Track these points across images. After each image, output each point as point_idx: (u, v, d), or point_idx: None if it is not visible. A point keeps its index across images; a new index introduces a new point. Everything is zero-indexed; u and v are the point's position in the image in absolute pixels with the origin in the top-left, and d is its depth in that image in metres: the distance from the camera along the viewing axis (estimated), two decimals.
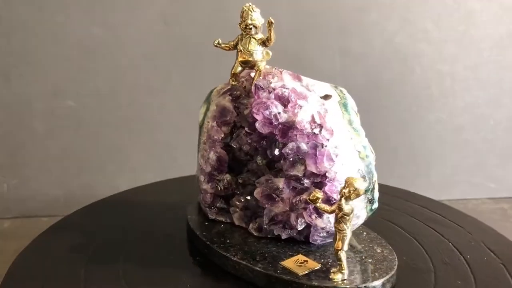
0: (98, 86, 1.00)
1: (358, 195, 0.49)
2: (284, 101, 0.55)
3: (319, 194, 0.50)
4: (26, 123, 1.01)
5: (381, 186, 0.81)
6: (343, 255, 0.51)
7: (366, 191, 0.54)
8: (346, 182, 0.49)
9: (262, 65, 0.58)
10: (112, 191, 0.85)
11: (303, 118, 0.54)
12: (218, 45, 0.60)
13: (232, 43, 0.59)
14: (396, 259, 0.56)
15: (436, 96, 1.07)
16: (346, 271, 0.51)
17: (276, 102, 0.55)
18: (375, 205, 0.58)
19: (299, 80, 0.57)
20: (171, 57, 1.00)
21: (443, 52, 1.05)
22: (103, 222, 0.71)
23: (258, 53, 0.58)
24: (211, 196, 0.62)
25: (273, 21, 0.57)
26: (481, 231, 0.69)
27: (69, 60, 0.98)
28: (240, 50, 0.59)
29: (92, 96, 1.00)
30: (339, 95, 0.57)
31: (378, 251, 0.57)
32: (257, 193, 0.58)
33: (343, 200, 0.49)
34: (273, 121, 0.55)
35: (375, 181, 0.57)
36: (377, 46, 1.03)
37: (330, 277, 0.51)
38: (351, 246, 0.56)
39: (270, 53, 0.59)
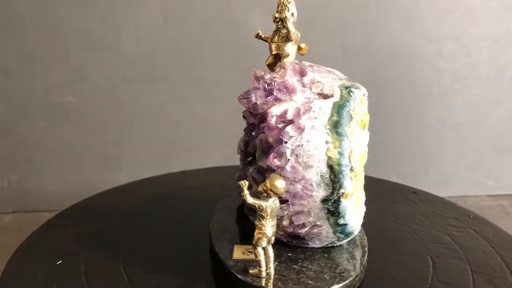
0: (98, 82, 1.00)
1: (275, 194, 0.48)
2: (267, 93, 0.55)
3: (244, 183, 0.48)
4: (26, 118, 1.01)
5: (382, 182, 0.82)
6: (260, 252, 0.50)
7: (325, 200, 0.52)
8: (267, 178, 0.48)
9: (289, 59, 0.58)
10: (113, 185, 0.85)
11: (273, 112, 0.52)
12: (259, 37, 0.60)
13: (270, 35, 0.60)
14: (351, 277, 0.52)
15: (436, 93, 1.08)
16: (263, 268, 0.50)
17: (260, 93, 0.55)
18: (347, 224, 0.54)
19: (302, 75, 0.56)
20: (171, 53, 1.00)
21: (443, 50, 1.05)
22: (103, 215, 0.71)
23: (287, 46, 0.58)
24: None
25: (286, 15, 0.57)
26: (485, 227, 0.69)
27: (69, 56, 0.98)
28: (272, 43, 0.59)
29: (92, 91, 1.01)
30: (342, 96, 0.54)
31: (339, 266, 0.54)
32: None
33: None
34: (251, 110, 0.55)
35: (343, 193, 0.52)
36: (378, 43, 1.04)
37: (250, 271, 0.51)
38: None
39: (304, 47, 0.59)
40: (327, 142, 0.51)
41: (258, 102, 0.55)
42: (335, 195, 0.52)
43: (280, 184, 0.48)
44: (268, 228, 0.49)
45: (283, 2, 0.57)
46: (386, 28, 1.03)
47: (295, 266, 0.53)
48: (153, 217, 0.70)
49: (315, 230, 0.54)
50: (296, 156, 0.51)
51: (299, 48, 0.59)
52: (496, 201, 1.12)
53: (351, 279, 0.51)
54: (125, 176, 0.97)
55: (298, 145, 0.51)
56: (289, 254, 0.54)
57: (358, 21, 1.02)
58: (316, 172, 0.51)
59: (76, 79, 1.00)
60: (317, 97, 0.54)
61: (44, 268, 0.58)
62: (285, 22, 0.57)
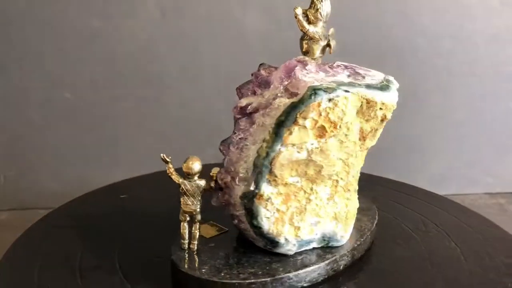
0: (95, 78, 1.00)
1: (191, 174, 0.53)
2: (256, 86, 0.56)
3: (166, 157, 0.56)
4: (23, 115, 1.01)
5: (379, 179, 0.82)
6: (183, 226, 0.55)
7: (243, 196, 0.52)
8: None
9: (311, 55, 0.57)
10: (109, 183, 0.85)
11: (239, 103, 0.54)
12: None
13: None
14: None
15: (433, 90, 1.07)
16: (185, 241, 0.55)
17: (251, 86, 0.56)
18: (261, 228, 0.54)
19: (288, 72, 0.55)
20: (168, 49, 1.00)
21: (439, 47, 1.05)
22: (98, 212, 0.71)
23: (308, 44, 0.57)
24: None
25: (296, 11, 0.56)
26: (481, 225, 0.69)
27: (66, 51, 0.98)
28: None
29: (89, 88, 1.00)
30: (303, 97, 0.51)
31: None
32: None
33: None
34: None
35: (256, 193, 0.52)
36: (374, 40, 1.03)
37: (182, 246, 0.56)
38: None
39: (332, 45, 0.58)
40: (264, 140, 0.52)
41: (244, 94, 0.56)
42: (250, 193, 0.52)
43: (194, 165, 0.53)
44: (188, 205, 0.54)
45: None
46: (382, 25, 1.03)
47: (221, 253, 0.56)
48: (149, 214, 0.70)
49: (242, 226, 0.55)
50: (236, 148, 0.53)
51: (328, 46, 0.58)
52: (494, 199, 1.12)
53: None
54: (121, 173, 0.96)
55: (242, 138, 0.53)
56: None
57: (355, 18, 1.02)
58: (243, 167, 0.52)
59: (72, 76, 1.00)
60: (284, 95, 0.53)
61: (39, 265, 0.58)
62: (297, 20, 0.56)
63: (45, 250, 0.61)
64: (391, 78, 0.57)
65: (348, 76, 0.55)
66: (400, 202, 0.75)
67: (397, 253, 0.61)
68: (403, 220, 0.69)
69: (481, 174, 1.14)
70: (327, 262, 0.55)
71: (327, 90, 0.51)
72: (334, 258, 0.55)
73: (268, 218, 0.53)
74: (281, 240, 0.55)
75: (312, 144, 0.52)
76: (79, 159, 1.03)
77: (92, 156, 1.04)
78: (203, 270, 0.53)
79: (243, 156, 0.53)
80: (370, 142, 0.57)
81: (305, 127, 0.51)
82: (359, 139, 0.55)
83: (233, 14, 0.99)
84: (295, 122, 0.51)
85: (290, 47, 0.96)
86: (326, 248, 0.57)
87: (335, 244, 0.57)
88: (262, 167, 0.52)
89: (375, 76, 0.56)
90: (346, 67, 0.57)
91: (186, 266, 0.53)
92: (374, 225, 0.62)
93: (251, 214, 0.53)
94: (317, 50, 0.57)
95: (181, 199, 0.54)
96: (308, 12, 0.57)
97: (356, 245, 0.58)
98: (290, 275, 0.53)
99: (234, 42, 1.00)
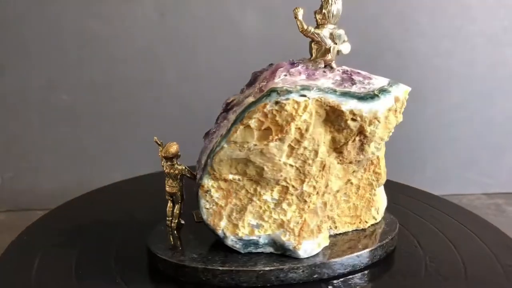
0: (93, 79, 1.00)
1: (164, 156, 0.60)
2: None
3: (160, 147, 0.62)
4: (21, 116, 1.00)
5: None
6: (168, 205, 0.62)
7: (196, 185, 0.56)
8: None
9: (315, 57, 0.57)
10: (107, 183, 0.85)
11: (228, 98, 0.57)
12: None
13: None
14: None
15: (431, 91, 1.08)
16: (169, 219, 0.62)
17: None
18: (201, 213, 0.56)
19: (273, 72, 0.55)
20: (166, 50, 1.00)
21: (438, 48, 1.05)
22: (96, 213, 0.71)
23: (313, 46, 0.57)
24: None
25: (295, 12, 0.56)
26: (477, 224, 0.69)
27: (64, 53, 0.98)
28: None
29: (87, 89, 1.00)
30: (259, 97, 0.52)
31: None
32: None
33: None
34: None
35: (199, 184, 0.55)
36: (372, 41, 1.03)
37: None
38: None
39: (333, 48, 0.57)
40: (221, 136, 0.53)
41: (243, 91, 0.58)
42: (197, 183, 0.56)
43: (171, 149, 0.60)
44: (168, 186, 0.61)
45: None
46: (381, 25, 1.03)
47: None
48: (146, 214, 0.70)
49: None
50: (207, 140, 0.56)
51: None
52: (491, 199, 1.12)
53: None
54: (119, 174, 0.97)
55: (213, 131, 0.56)
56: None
57: (354, 19, 1.02)
58: (204, 159, 0.55)
59: (71, 77, 1.00)
60: (255, 94, 0.54)
61: (36, 264, 0.58)
62: (296, 21, 0.56)
63: (43, 251, 0.61)
64: (393, 88, 0.54)
65: (335, 82, 0.54)
66: (397, 202, 0.75)
67: (395, 253, 0.61)
68: (400, 220, 0.69)
69: (479, 175, 1.14)
70: (272, 268, 0.54)
71: (280, 92, 0.51)
72: (284, 267, 0.54)
73: (207, 209, 0.56)
74: (220, 233, 0.56)
75: (255, 144, 0.52)
76: (77, 160, 1.03)
77: (91, 157, 1.04)
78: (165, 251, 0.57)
79: (208, 148, 0.55)
80: (358, 157, 0.55)
81: (249, 126, 0.51)
82: (333, 150, 0.54)
83: (232, 15, 0.99)
84: (241, 121, 0.51)
85: (289, 48, 0.97)
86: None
87: (292, 255, 0.56)
88: (208, 160, 0.54)
89: (373, 84, 0.54)
90: (345, 72, 0.56)
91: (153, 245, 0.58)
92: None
93: (197, 203, 0.56)
94: (317, 52, 0.56)
95: (165, 181, 0.61)
96: (316, 14, 0.57)
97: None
98: (223, 268, 0.54)
99: (233, 44, 1.00)
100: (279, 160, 0.52)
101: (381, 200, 0.64)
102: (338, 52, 0.57)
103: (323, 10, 0.56)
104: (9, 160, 1.02)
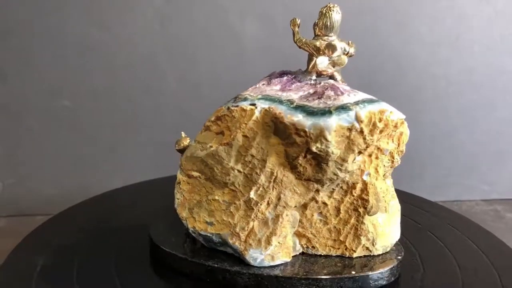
0: (94, 86, 1.01)
1: (178, 150, 0.60)
2: None
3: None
4: (22, 122, 1.01)
5: None
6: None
7: None
8: None
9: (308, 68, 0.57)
10: (108, 190, 0.85)
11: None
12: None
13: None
14: None
15: (430, 98, 1.08)
16: None
17: None
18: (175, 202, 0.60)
19: (269, 84, 0.57)
20: (167, 57, 1.01)
21: (437, 55, 1.06)
22: (96, 219, 0.72)
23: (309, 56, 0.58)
24: None
25: (292, 22, 0.57)
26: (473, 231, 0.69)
27: (65, 60, 0.99)
28: None
29: (88, 95, 1.01)
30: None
31: None
32: None
33: None
34: None
35: (177, 177, 0.59)
36: (371, 49, 1.04)
37: None
38: None
39: (315, 61, 0.57)
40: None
41: None
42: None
43: (185, 141, 0.61)
44: None
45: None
46: (379, 33, 1.04)
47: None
48: (147, 221, 0.70)
49: None
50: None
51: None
52: (490, 205, 1.12)
53: None
54: (120, 181, 0.97)
55: None
56: None
57: (352, 27, 1.03)
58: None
59: (72, 84, 1.00)
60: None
61: (38, 270, 0.59)
62: (293, 29, 0.57)
63: (44, 257, 0.61)
64: (359, 107, 0.51)
65: (303, 95, 0.54)
66: None
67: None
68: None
69: (478, 181, 1.14)
70: (219, 266, 0.56)
71: (237, 99, 0.54)
72: (231, 269, 0.55)
73: (177, 199, 0.59)
74: (184, 224, 0.59)
75: (211, 146, 0.55)
76: (78, 167, 1.04)
77: (91, 163, 1.04)
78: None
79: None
80: (317, 176, 0.53)
81: (209, 128, 0.56)
82: (288, 164, 0.53)
83: (232, 23, 1.00)
84: (206, 121, 0.57)
85: (288, 54, 0.97)
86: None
87: (245, 260, 0.56)
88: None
89: (339, 101, 0.52)
90: (325, 86, 0.55)
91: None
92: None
93: None
94: (309, 63, 0.57)
95: None
96: (314, 26, 0.58)
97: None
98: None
99: (233, 51, 1.01)
100: (227, 164, 0.55)
101: (380, 232, 0.58)
102: (334, 63, 0.56)
103: (319, 22, 0.57)
104: (11, 166, 1.03)
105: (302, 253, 0.59)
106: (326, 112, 0.50)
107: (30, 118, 1.01)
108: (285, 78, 0.57)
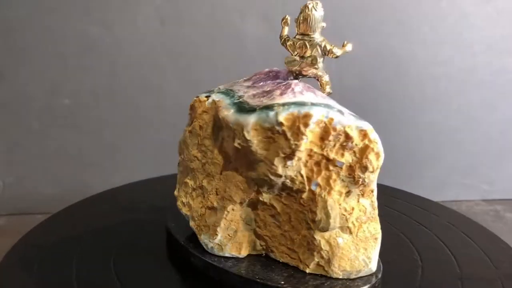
0: (95, 85, 1.01)
1: None
2: None
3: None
4: (22, 121, 1.01)
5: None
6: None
7: None
8: None
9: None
10: (108, 188, 0.85)
11: None
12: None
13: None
14: None
15: (431, 98, 1.08)
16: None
17: None
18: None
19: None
20: (167, 56, 1.01)
21: (437, 55, 1.06)
22: (96, 217, 0.72)
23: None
24: None
25: (285, 18, 0.57)
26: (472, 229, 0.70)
27: (65, 59, 0.99)
28: None
29: (88, 94, 1.01)
30: None
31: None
32: None
33: None
34: None
35: None
36: (372, 48, 1.04)
37: None
38: None
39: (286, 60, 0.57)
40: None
41: None
42: None
43: None
44: None
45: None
46: (380, 33, 1.04)
47: None
48: (148, 220, 0.70)
49: None
50: None
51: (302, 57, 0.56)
52: (490, 205, 1.12)
53: None
54: (121, 179, 0.97)
55: None
56: None
57: (353, 26, 1.03)
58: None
59: (72, 82, 1.00)
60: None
61: (36, 269, 0.59)
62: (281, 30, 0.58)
63: (43, 255, 0.61)
64: (285, 110, 0.48)
65: (259, 93, 0.53)
66: (395, 208, 0.75)
67: (392, 258, 0.61)
68: (399, 227, 0.69)
69: (478, 181, 1.14)
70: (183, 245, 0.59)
71: (206, 91, 0.59)
72: (192, 251, 0.58)
73: (177, 178, 0.63)
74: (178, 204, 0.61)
75: (184, 132, 0.60)
76: (78, 165, 1.04)
77: (92, 162, 1.04)
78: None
79: None
80: (250, 174, 0.52)
81: (189, 115, 0.60)
82: (223, 157, 0.54)
83: (233, 22, 1.00)
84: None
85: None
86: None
87: (201, 243, 0.58)
88: None
89: (276, 100, 0.50)
90: (279, 86, 0.53)
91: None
92: None
93: None
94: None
95: None
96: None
97: None
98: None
99: (234, 50, 1.01)
100: (191, 151, 0.58)
101: (339, 254, 0.53)
102: (306, 64, 0.55)
103: (298, 19, 0.55)
104: (10, 164, 1.03)
105: (266, 256, 0.57)
106: (251, 110, 0.50)
107: (30, 117, 1.01)
108: (266, 76, 0.57)
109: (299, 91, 0.51)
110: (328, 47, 0.55)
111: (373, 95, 1.06)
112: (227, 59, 1.01)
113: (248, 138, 0.49)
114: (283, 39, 0.56)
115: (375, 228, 0.54)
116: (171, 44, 1.00)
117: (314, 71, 0.55)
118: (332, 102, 0.52)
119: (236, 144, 0.50)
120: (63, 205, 0.80)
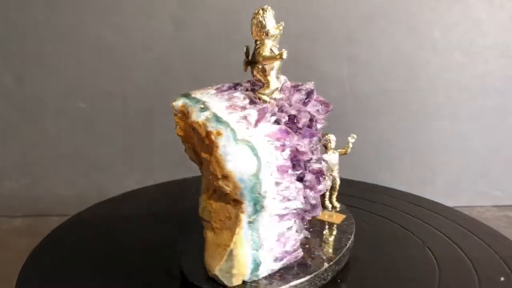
0: (109, 88, 1.02)
1: None
2: None
3: None
4: (38, 124, 1.02)
5: (387, 189, 0.82)
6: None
7: None
8: None
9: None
10: (122, 191, 0.86)
11: None
12: None
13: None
14: None
15: (443, 104, 1.08)
16: None
17: None
18: None
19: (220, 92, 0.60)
20: (180, 60, 1.01)
21: (450, 61, 1.06)
22: (112, 220, 0.72)
23: None
24: None
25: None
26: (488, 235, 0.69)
27: (81, 63, 1.00)
28: None
29: (103, 97, 1.02)
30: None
31: None
32: None
33: None
34: None
35: None
36: (385, 54, 1.04)
37: None
38: None
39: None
40: None
41: None
42: None
43: None
44: None
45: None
46: (392, 39, 1.04)
47: None
48: (162, 222, 0.70)
49: None
50: None
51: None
52: (502, 211, 1.12)
53: None
54: (134, 181, 0.98)
55: None
56: None
57: (365, 33, 1.03)
58: None
59: (87, 86, 1.01)
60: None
61: (57, 272, 0.59)
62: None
63: (63, 257, 0.62)
64: (180, 98, 0.57)
65: (212, 93, 0.59)
66: (407, 212, 0.75)
67: (406, 261, 0.61)
68: (411, 229, 0.69)
69: (490, 187, 1.14)
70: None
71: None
72: None
73: None
74: None
75: None
76: (92, 168, 1.05)
77: (106, 164, 1.05)
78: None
79: None
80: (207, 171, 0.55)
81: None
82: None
83: (244, 25, 1.00)
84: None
85: (300, 60, 0.98)
86: None
87: None
88: None
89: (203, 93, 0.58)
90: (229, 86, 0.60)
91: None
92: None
93: None
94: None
95: None
96: None
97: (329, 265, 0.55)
98: None
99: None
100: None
101: (207, 248, 0.53)
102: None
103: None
104: (26, 166, 1.04)
105: None
106: (188, 96, 0.58)
107: (45, 119, 1.02)
108: (240, 85, 0.62)
109: (233, 91, 0.60)
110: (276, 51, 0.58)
111: (385, 100, 1.06)
112: (239, 63, 1.02)
113: (175, 119, 0.59)
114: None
115: (238, 239, 0.51)
116: (184, 47, 1.01)
117: (259, 76, 0.59)
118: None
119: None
120: (78, 206, 0.81)
